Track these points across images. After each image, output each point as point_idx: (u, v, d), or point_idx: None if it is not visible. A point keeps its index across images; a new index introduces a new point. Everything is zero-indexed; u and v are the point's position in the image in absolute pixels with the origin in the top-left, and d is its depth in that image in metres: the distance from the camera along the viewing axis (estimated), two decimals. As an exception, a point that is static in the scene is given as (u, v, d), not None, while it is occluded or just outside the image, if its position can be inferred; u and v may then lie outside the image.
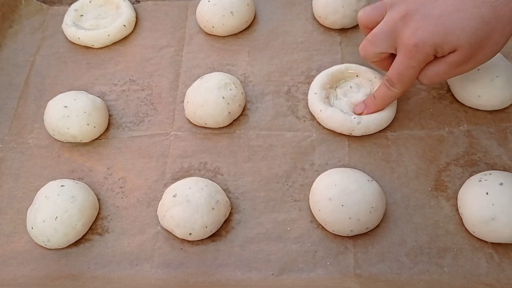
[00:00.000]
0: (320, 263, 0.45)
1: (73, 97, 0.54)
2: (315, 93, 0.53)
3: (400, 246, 0.46)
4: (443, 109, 0.53)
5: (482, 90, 0.50)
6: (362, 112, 0.51)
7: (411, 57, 0.43)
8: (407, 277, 0.44)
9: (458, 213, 0.47)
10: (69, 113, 0.53)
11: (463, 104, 0.53)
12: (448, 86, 0.54)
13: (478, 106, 0.52)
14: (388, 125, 0.52)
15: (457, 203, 0.47)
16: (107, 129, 0.56)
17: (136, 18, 0.65)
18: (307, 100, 0.55)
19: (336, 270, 0.45)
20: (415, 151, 0.50)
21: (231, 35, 0.61)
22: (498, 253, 0.44)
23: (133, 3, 0.66)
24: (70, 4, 0.66)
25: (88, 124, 0.53)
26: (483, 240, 0.45)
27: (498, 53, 0.52)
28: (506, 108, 0.52)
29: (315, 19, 0.61)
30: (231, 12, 0.59)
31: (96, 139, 0.55)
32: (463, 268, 0.44)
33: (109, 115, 0.57)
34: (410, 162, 0.50)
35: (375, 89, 0.53)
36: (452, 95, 0.54)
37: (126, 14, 0.63)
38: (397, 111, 0.53)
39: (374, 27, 0.46)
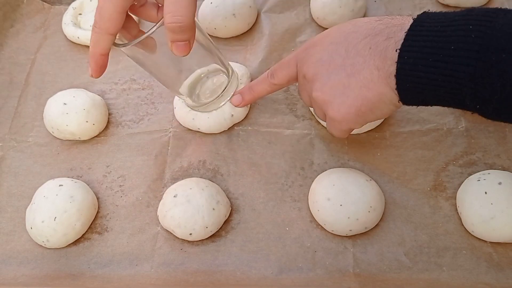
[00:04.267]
0: (320, 263, 0.45)
1: (72, 94, 0.54)
2: None
3: (399, 246, 0.46)
4: (441, 109, 0.53)
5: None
6: (240, 104, 0.51)
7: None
8: (406, 277, 0.44)
9: (457, 213, 0.47)
10: (68, 110, 0.53)
11: (462, 104, 0.53)
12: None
13: (477, 106, 0.52)
14: (387, 125, 0.52)
15: (456, 203, 0.47)
16: (107, 127, 0.56)
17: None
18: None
19: (335, 269, 0.45)
20: (413, 151, 0.50)
21: (233, 37, 0.62)
22: (497, 252, 0.44)
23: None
24: (71, 3, 0.66)
25: (87, 122, 0.53)
26: (482, 240, 0.45)
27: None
28: (505, 108, 0.52)
29: (313, 20, 0.62)
30: (234, 15, 0.59)
31: (95, 136, 0.55)
32: (462, 267, 0.44)
33: (109, 114, 0.57)
34: (409, 162, 0.50)
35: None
36: (451, 95, 0.54)
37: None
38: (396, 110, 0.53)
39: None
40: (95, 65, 0.43)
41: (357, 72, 0.39)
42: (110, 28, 0.40)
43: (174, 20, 0.38)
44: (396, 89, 0.37)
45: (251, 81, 0.56)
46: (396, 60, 0.36)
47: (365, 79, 0.38)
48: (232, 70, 0.51)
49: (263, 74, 0.49)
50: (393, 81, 0.37)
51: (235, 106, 0.51)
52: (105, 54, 0.43)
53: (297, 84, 0.56)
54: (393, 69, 0.36)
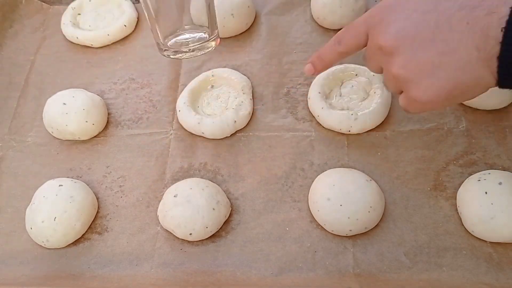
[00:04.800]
0: (320, 263, 0.45)
1: (72, 94, 0.55)
2: (318, 92, 0.53)
3: (399, 246, 0.45)
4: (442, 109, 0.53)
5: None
6: (314, 73, 0.46)
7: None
8: (406, 277, 0.44)
9: (457, 213, 0.46)
10: (68, 110, 0.53)
11: (462, 104, 0.53)
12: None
13: (477, 106, 0.52)
14: (387, 125, 0.52)
15: (456, 203, 0.47)
16: (106, 127, 0.56)
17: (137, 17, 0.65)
18: (306, 101, 0.55)
19: (335, 269, 0.45)
20: (414, 151, 0.50)
21: (231, 37, 0.61)
22: (497, 252, 0.44)
23: (134, 3, 0.66)
24: (70, 3, 0.66)
25: (86, 121, 0.53)
26: (482, 240, 0.45)
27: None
28: (505, 107, 0.52)
29: (313, 20, 0.61)
30: (232, 14, 0.59)
31: (95, 137, 0.55)
32: (462, 267, 0.44)
33: (108, 113, 0.57)
34: (409, 162, 0.50)
35: (373, 88, 0.53)
36: (452, 95, 0.54)
37: (127, 14, 0.63)
38: (396, 110, 0.53)
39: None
40: None
41: (451, 51, 0.34)
42: None
43: None
44: (497, 72, 0.33)
45: (253, 91, 0.56)
46: (500, 40, 0.32)
47: (462, 60, 0.34)
48: (216, 28, 0.51)
49: (329, 41, 0.44)
50: (494, 63, 0.33)
51: (309, 75, 0.47)
52: None
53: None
54: (496, 50, 0.32)
